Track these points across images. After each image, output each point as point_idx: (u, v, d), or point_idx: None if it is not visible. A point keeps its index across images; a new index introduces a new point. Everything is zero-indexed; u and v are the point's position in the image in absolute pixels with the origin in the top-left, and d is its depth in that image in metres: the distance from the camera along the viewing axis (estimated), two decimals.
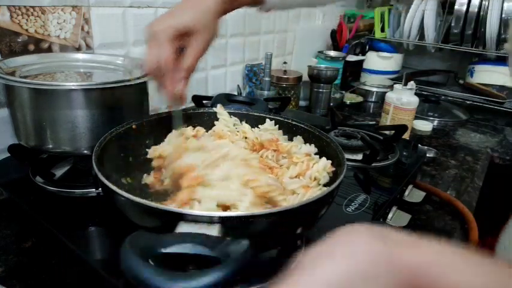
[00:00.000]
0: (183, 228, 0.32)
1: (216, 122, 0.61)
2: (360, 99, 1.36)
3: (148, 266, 0.26)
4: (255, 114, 0.62)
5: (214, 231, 0.31)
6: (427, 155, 0.86)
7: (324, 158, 0.50)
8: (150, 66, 0.48)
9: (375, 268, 0.23)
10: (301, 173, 0.49)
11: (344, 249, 0.24)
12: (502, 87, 1.36)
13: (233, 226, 0.33)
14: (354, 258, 0.23)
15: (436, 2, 1.42)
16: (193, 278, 0.25)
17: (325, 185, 0.48)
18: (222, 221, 0.32)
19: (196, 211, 0.33)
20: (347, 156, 0.71)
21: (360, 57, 1.50)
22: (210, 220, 0.32)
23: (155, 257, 0.29)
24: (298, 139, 0.57)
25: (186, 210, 0.33)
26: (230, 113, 0.62)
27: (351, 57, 1.45)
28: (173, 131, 0.56)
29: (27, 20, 0.66)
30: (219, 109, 0.61)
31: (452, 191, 0.78)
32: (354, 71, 1.53)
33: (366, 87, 1.41)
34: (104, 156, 0.46)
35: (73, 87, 0.52)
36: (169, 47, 0.46)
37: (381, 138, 0.84)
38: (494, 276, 0.23)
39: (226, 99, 0.83)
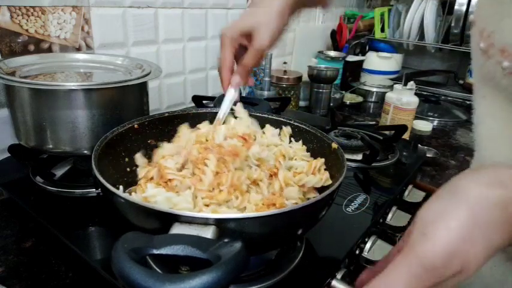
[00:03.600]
0: (177, 229, 0.32)
1: (233, 121, 0.57)
2: (360, 99, 1.36)
3: (138, 267, 0.26)
4: (257, 114, 0.62)
5: (209, 233, 0.31)
6: (427, 155, 0.86)
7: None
8: (218, 64, 0.54)
9: (494, 217, 0.24)
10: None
11: (465, 202, 0.25)
12: None
13: (229, 228, 0.32)
14: (476, 211, 0.24)
15: (436, 2, 1.42)
16: (183, 280, 0.25)
17: (325, 187, 0.48)
18: (217, 222, 0.32)
19: (191, 212, 0.33)
20: (347, 156, 0.71)
21: (359, 58, 1.50)
22: (204, 222, 0.32)
23: (149, 258, 0.29)
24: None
25: (180, 211, 0.33)
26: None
27: (351, 57, 1.45)
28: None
29: (27, 20, 0.66)
30: (239, 108, 0.58)
31: None
32: (354, 71, 1.53)
33: (366, 87, 1.41)
34: (104, 156, 0.46)
35: (73, 87, 0.52)
36: (228, 47, 0.51)
37: (381, 138, 0.84)
38: None
39: None
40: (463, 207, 0.24)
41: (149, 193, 0.41)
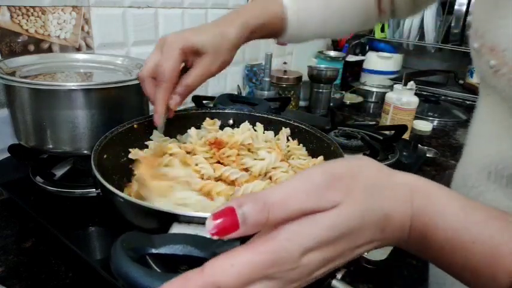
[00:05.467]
0: (176, 229, 0.32)
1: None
2: (360, 99, 1.36)
3: (136, 266, 0.26)
4: (257, 114, 0.62)
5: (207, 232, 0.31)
6: (427, 155, 0.86)
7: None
8: (147, 69, 0.47)
9: (380, 181, 0.25)
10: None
11: (356, 158, 0.27)
12: None
13: None
14: (365, 166, 0.26)
15: (436, 2, 1.42)
16: None
17: None
18: None
19: (190, 212, 0.33)
20: (347, 156, 0.71)
21: (359, 58, 1.50)
22: (203, 221, 0.32)
23: (148, 257, 0.29)
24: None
25: (180, 211, 0.33)
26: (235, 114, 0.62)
27: (351, 57, 1.45)
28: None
29: (27, 20, 0.66)
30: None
31: None
32: (354, 71, 1.53)
33: (366, 87, 1.41)
34: (104, 156, 0.46)
35: (73, 87, 0.52)
36: (176, 57, 0.45)
37: (381, 138, 0.84)
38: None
39: (229, 99, 0.83)
40: (355, 159, 0.26)
41: (181, 195, 0.41)
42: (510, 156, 0.40)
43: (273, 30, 0.55)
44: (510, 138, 0.40)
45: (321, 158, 0.53)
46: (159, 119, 0.49)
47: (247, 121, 0.61)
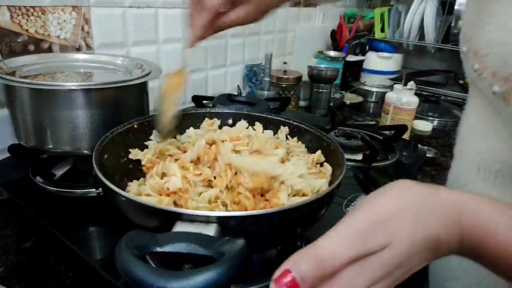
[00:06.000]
0: (180, 227, 0.32)
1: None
2: (360, 99, 1.36)
3: (142, 265, 0.26)
4: (256, 114, 0.62)
5: (211, 230, 0.31)
6: (427, 155, 0.86)
7: None
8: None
9: (424, 201, 0.27)
10: None
11: (396, 190, 0.28)
12: None
13: (230, 226, 0.33)
14: (406, 195, 0.27)
15: (436, 2, 1.42)
16: (187, 277, 0.25)
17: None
18: (219, 220, 0.32)
19: (193, 211, 0.33)
20: (347, 156, 0.71)
21: (359, 57, 1.50)
22: (206, 220, 0.32)
23: (153, 255, 0.29)
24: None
25: (183, 209, 0.33)
26: (231, 113, 0.62)
27: (351, 57, 1.45)
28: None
29: (27, 20, 0.66)
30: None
31: None
32: (354, 71, 1.53)
33: (366, 87, 1.41)
34: (105, 156, 0.46)
35: (73, 87, 0.52)
36: None
37: (381, 138, 0.84)
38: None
39: (228, 99, 0.83)
40: (395, 190, 0.27)
41: None
42: (498, 153, 0.42)
43: None
44: (497, 136, 0.42)
45: (319, 152, 0.53)
46: (193, 44, 0.47)
47: (242, 119, 0.61)
